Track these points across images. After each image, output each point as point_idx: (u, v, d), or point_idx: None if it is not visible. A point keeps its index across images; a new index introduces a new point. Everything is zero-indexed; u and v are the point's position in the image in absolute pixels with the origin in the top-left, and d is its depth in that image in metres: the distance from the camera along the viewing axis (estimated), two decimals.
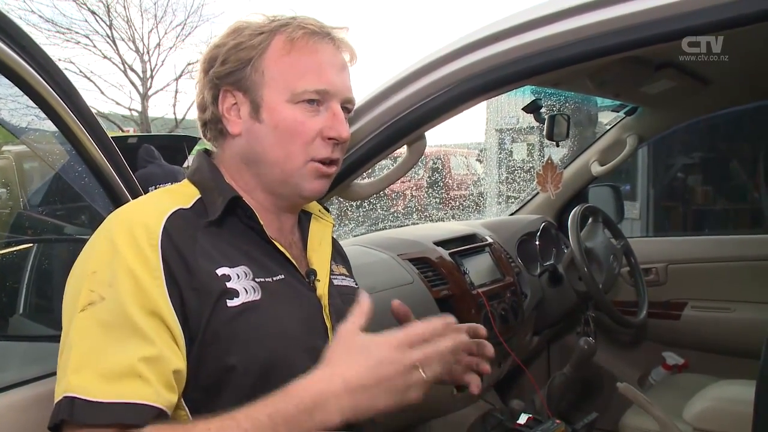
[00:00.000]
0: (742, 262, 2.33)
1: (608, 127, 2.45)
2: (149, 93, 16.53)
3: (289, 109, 0.92)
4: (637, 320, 2.26)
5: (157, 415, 0.76)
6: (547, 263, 2.31)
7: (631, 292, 2.38)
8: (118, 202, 1.17)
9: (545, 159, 1.78)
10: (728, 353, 2.25)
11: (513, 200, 3.55)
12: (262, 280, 0.88)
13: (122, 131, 13.81)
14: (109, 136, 1.17)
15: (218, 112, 0.95)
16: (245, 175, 0.96)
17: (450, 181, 9.22)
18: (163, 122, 16.72)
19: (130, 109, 16.41)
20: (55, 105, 1.05)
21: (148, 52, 16.41)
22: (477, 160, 10.16)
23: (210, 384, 0.84)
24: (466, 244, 2.06)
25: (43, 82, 1.02)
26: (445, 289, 1.82)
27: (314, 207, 1.08)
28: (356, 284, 1.10)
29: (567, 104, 2.59)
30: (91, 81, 15.39)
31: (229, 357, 0.83)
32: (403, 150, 1.36)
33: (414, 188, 8.29)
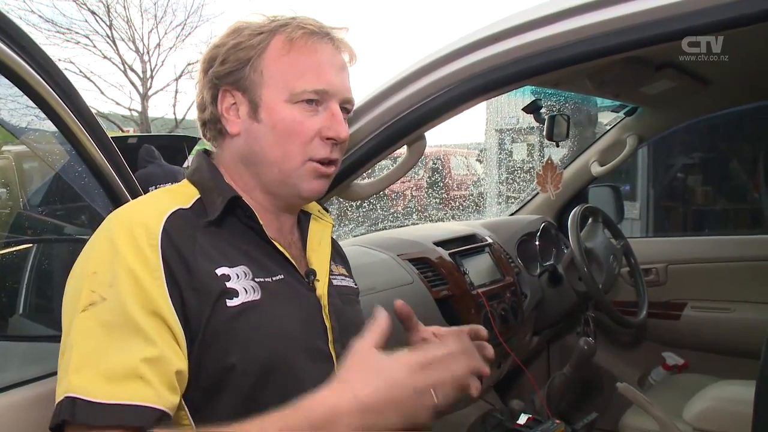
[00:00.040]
0: (742, 262, 2.33)
1: (608, 128, 2.45)
2: (149, 93, 16.55)
3: (287, 109, 0.92)
4: (637, 320, 2.26)
5: (160, 417, 0.76)
6: (547, 263, 2.31)
7: (631, 293, 2.38)
8: (117, 202, 1.17)
9: (545, 159, 1.78)
10: (728, 353, 2.25)
11: (513, 200, 3.55)
12: (262, 280, 0.88)
13: (122, 131, 13.81)
14: (109, 136, 1.17)
15: (217, 111, 0.95)
16: (244, 175, 0.96)
17: (450, 182, 9.22)
18: (163, 122, 16.73)
19: (130, 109, 16.44)
20: (55, 105, 1.05)
21: (148, 52, 16.43)
22: (477, 160, 10.17)
23: (210, 384, 0.83)
24: (466, 245, 2.06)
25: (43, 82, 1.02)
26: (444, 289, 1.82)
27: (314, 207, 1.08)
28: (355, 284, 1.10)
29: (567, 104, 2.59)
30: (91, 81, 15.43)
31: (228, 357, 0.83)
32: (403, 150, 1.36)
33: (414, 188, 8.29)
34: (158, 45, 16.52)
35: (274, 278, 0.90)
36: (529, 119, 1.79)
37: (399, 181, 1.55)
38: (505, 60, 1.15)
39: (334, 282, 1.02)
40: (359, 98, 1.26)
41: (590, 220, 2.30)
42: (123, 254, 0.80)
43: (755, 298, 2.24)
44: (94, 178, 1.17)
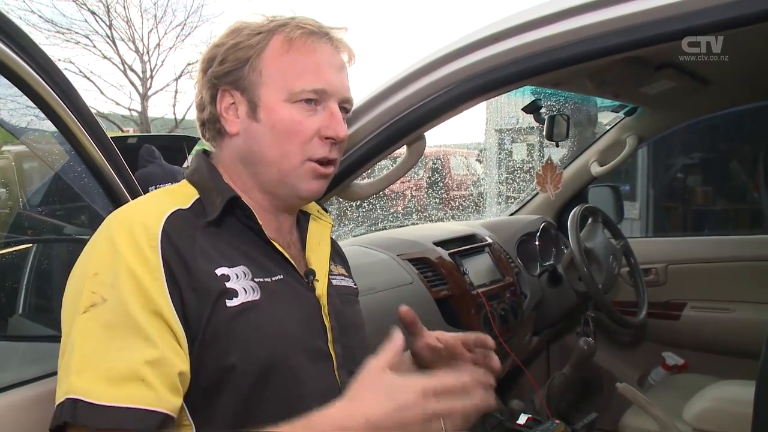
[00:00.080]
0: (742, 262, 2.33)
1: (608, 128, 2.46)
2: (149, 93, 16.55)
3: (286, 109, 0.92)
4: (637, 320, 2.26)
5: (162, 420, 0.76)
6: (547, 263, 2.31)
7: (631, 293, 2.38)
8: (117, 202, 1.17)
9: (545, 159, 1.78)
10: (728, 353, 2.25)
11: (513, 200, 3.55)
12: (261, 280, 0.88)
13: (122, 131, 13.81)
14: (109, 136, 1.17)
15: (216, 111, 0.95)
16: (243, 175, 0.96)
17: (450, 182, 9.22)
18: (163, 122, 16.72)
19: (129, 109, 16.44)
20: (55, 105, 1.05)
21: (147, 53, 16.43)
22: (477, 160, 10.17)
23: (209, 384, 0.83)
24: (465, 245, 2.06)
25: (43, 82, 1.02)
26: (444, 289, 1.82)
27: (313, 207, 1.08)
28: (355, 284, 1.10)
29: (567, 104, 2.59)
30: (90, 81, 15.42)
31: (228, 357, 0.83)
32: (402, 150, 1.36)
33: (414, 188, 8.30)
34: (158, 45, 16.54)
35: (273, 278, 0.90)
36: (529, 119, 1.79)
37: (399, 181, 1.55)
38: (505, 60, 1.15)
39: (334, 282, 1.02)
40: (359, 98, 1.26)
41: (590, 220, 2.30)
42: (123, 254, 0.80)
43: (755, 298, 2.24)
44: (94, 178, 1.17)
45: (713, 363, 2.27)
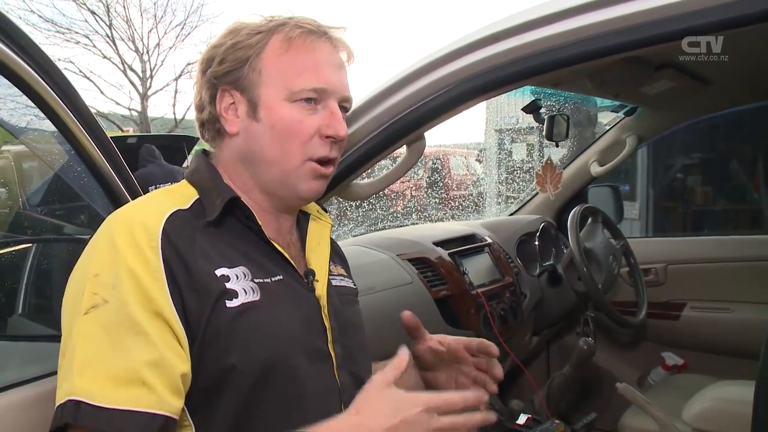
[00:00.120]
0: (742, 262, 2.33)
1: (608, 128, 2.46)
2: (149, 93, 16.56)
3: (286, 108, 0.92)
4: (637, 320, 2.26)
5: (163, 423, 0.76)
6: (547, 263, 2.31)
7: (631, 293, 2.38)
8: (116, 202, 1.17)
9: (545, 159, 1.78)
10: (727, 354, 2.25)
11: (512, 200, 3.55)
12: (261, 280, 0.88)
13: (122, 131, 13.81)
14: (108, 135, 1.17)
15: (216, 111, 0.95)
16: (243, 175, 0.96)
17: (449, 182, 9.22)
18: (163, 122, 16.73)
19: (129, 109, 16.45)
20: (54, 105, 1.05)
21: (147, 52, 16.44)
22: (476, 160, 10.16)
23: (209, 384, 0.83)
24: (465, 245, 2.06)
25: (42, 82, 1.02)
26: (444, 289, 1.82)
27: (312, 207, 1.08)
28: (354, 284, 1.10)
29: (567, 104, 2.59)
30: (90, 81, 15.44)
31: (228, 357, 0.83)
32: (402, 150, 1.36)
33: (413, 188, 8.29)
34: (158, 45, 16.56)
35: (273, 279, 0.90)
36: (529, 119, 1.79)
37: (398, 181, 1.55)
38: (505, 60, 1.15)
39: (333, 282, 1.02)
40: (359, 98, 1.26)
41: (590, 220, 2.30)
42: (124, 255, 0.80)
43: (755, 298, 2.24)
44: (93, 178, 1.17)
45: (713, 363, 2.27)
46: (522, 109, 1.77)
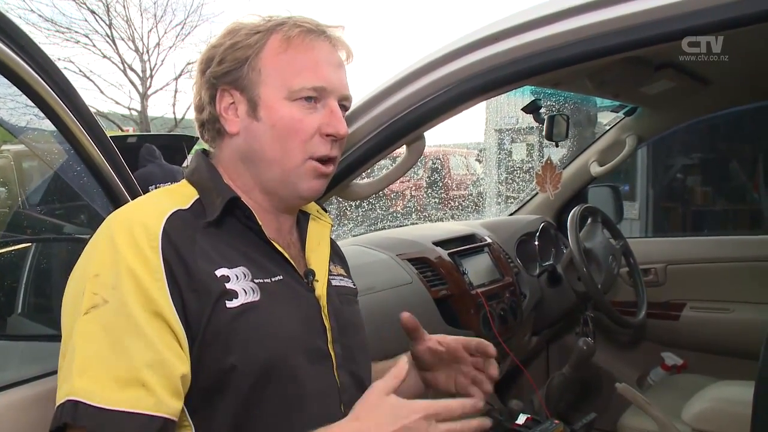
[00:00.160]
0: (742, 262, 2.33)
1: (607, 128, 2.46)
2: (149, 92, 16.55)
3: (286, 107, 0.92)
4: (636, 320, 2.26)
5: (162, 424, 0.76)
6: (546, 263, 2.31)
7: (630, 293, 2.39)
8: (116, 201, 1.17)
9: (544, 159, 1.78)
10: (727, 354, 2.26)
11: (512, 200, 3.55)
12: (261, 281, 0.88)
13: (122, 130, 13.81)
14: (108, 135, 1.17)
15: (216, 111, 0.95)
16: (243, 175, 0.96)
17: (449, 181, 9.21)
18: (163, 121, 16.73)
19: (129, 109, 16.45)
20: (54, 104, 1.05)
21: (147, 52, 16.43)
22: (476, 160, 10.15)
23: (209, 384, 0.83)
24: (465, 245, 2.06)
25: (42, 81, 1.02)
26: (444, 289, 1.82)
27: (312, 207, 1.08)
28: (354, 285, 1.10)
29: (566, 104, 2.59)
30: (90, 80, 15.44)
31: (228, 357, 0.83)
32: (402, 150, 1.36)
33: (413, 188, 8.28)
34: (158, 44, 16.55)
35: (273, 279, 0.90)
36: (529, 119, 1.79)
37: (398, 181, 1.55)
38: (505, 60, 1.15)
39: (333, 282, 1.02)
40: (358, 98, 1.26)
41: (589, 220, 2.30)
42: (124, 255, 0.80)
43: (755, 298, 2.24)
44: (93, 178, 1.17)
45: (712, 363, 2.27)
46: (522, 109, 1.77)
